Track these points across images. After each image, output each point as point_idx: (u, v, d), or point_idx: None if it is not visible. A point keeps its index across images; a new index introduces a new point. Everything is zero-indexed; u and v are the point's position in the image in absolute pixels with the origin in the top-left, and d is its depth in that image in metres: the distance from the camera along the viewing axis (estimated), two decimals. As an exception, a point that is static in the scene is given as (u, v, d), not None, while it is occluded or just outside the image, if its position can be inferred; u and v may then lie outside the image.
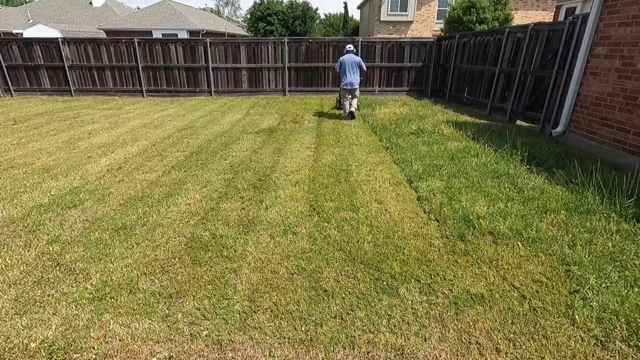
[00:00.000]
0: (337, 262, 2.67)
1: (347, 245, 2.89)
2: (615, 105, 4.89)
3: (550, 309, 2.16)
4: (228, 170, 4.75)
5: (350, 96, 8.07)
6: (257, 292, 2.36)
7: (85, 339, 1.99)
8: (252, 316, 2.15)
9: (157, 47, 11.76)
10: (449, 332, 2.02)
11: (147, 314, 2.17)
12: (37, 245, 2.92)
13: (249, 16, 37.25)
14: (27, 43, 11.76)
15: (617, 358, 1.83)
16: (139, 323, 2.10)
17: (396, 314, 2.15)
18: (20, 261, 2.70)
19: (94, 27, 30.55)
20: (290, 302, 2.27)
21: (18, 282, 2.47)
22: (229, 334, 2.02)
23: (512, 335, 1.98)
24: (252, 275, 2.53)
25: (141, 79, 12.05)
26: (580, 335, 1.96)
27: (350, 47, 7.96)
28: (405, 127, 6.79)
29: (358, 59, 7.89)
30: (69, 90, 12.16)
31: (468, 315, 2.13)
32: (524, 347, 1.90)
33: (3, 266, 2.63)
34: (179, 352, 1.91)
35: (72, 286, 2.42)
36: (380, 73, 12.13)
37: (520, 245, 2.81)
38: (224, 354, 1.90)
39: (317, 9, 34.43)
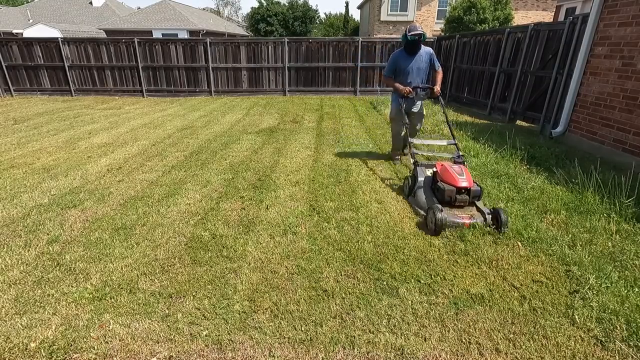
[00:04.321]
0: (337, 262, 2.67)
1: (347, 245, 2.89)
2: (615, 105, 4.89)
3: (550, 309, 2.16)
4: (228, 170, 4.75)
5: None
6: (257, 292, 2.36)
7: (85, 339, 1.99)
8: (252, 316, 2.15)
9: (157, 47, 11.76)
10: (449, 332, 2.02)
11: (147, 314, 2.17)
12: (37, 245, 2.92)
13: (248, 16, 37.30)
14: (27, 43, 11.76)
15: (617, 358, 1.83)
16: (139, 323, 2.10)
17: (396, 314, 2.15)
18: (20, 261, 2.70)
19: (94, 27, 30.56)
20: (290, 302, 2.26)
21: (18, 282, 2.47)
22: (229, 334, 2.02)
23: (512, 335, 1.98)
24: (252, 275, 2.53)
25: (141, 78, 12.05)
26: (580, 335, 1.96)
27: (417, 29, 4.26)
28: (405, 127, 6.78)
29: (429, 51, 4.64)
30: (69, 90, 12.16)
31: (468, 315, 2.13)
32: (524, 347, 1.90)
33: (3, 266, 2.63)
34: (179, 352, 1.91)
35: (72, 286, 2.42)
36: (380, 73, 12.12)
37: (520, 245, 2.81)
38: (224, 354, 1.90)
39: (317, 10, 34.42)
